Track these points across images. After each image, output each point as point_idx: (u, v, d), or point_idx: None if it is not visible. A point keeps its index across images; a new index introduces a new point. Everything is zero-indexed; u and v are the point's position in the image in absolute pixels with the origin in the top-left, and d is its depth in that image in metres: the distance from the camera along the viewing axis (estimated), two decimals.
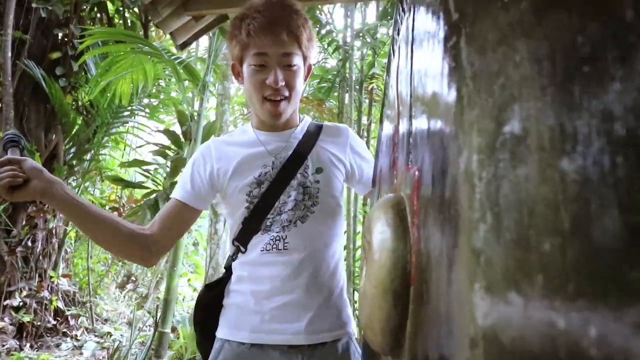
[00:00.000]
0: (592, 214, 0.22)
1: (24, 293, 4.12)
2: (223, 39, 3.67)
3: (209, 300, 1.25)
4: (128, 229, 1.15)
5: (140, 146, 5.99)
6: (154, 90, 5.02)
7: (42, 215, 4.27)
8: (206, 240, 4.77)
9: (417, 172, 0.48)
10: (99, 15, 5.12)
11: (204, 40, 5.25)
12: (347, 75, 4.45)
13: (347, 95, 4.48)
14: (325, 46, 4.73)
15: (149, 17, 4.20)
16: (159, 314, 3.51)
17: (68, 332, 4.36)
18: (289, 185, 1.16)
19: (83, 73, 4.72)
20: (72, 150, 4.77)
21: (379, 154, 0.88)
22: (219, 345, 1.17)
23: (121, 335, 4.62)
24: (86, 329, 4.57)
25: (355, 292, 3.83)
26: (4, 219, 4.05)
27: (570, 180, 0.23)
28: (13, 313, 4.02)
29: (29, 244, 4.22)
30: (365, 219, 0.61)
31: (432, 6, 0.46)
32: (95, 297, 5.10)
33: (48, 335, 4.21)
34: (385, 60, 4.25)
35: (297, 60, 1.14)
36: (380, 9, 4.75)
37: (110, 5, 5.16)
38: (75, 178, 4.94)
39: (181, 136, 4.42)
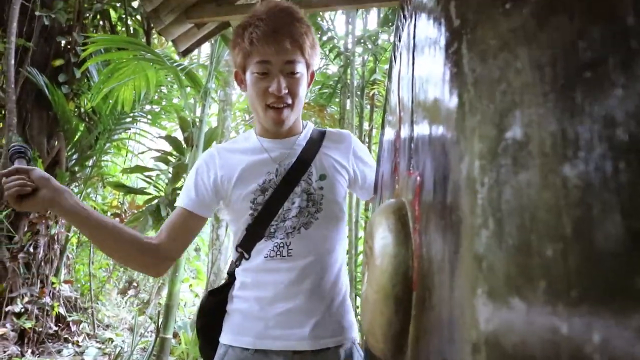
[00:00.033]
0: (595, 219, 0.22)
1: (26, 299, 4.12)
2: (225, 46, 3.69)
3: (212, 306, 1.25)
4: (136, 238, 1.14)
5: (142, 152, 6.00)
6: (156, 97, 5.04)
7: (44, 221, 4.28)
8: (208, 246, 4.77)
9: (418, 178, 0.48)
10: (101, 23, 5.15)
11: (205, 47, 5.28)
12: (348, 81, 4.46)
13: (348, 101, 4.49)
14: (327, 52, 4.75)
15: (152, 25, 4.22)
16: (160, 320, 3.50)
17: (69, 338, 4.35)
18: (293, 192, 1.16)
19: (85, 80, 4.74)
20: (75, 156, 4.78)
21: (381, 159, 0.88)
22: (223, 350, 1.17)
23: (123, 341, 4.61)
24: (88, 334, 4.56)
25: (357, 297, 3.82)
26: (6, 225, 4.05)
27: (572, 185, 0.23)
28: (15, 319, 4.01)
29: (31, 250, 4.23)
30: (367, 225, 0.61)
31: (434, 12, 0.46)
32: (97, 303, 5.09)
33: (49, 341, 4.20)
34: (386, 67, 4.26)
35: (300, 68, 1.14)
36: (382, 15, 4.77)
37: (113, 13, 5.19)
38: (77, 184, 4.95)
39: (183, 142, 4.43)
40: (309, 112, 4.66)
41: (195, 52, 4.72)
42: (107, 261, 6.01)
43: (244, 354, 1.13)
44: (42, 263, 4.30)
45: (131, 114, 4.71)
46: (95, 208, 5.23)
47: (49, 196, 1.05)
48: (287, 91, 1.12)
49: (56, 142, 4.58)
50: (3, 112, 3.95)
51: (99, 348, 4.35)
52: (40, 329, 4.14)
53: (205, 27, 3.02)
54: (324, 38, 4.55)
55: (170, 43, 3.33)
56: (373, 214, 0.63)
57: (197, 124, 3.90)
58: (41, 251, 4.29)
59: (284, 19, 1.12)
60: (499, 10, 0.32)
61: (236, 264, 1.21)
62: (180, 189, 4.25)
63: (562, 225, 0.23)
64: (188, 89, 4.03)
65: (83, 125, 4.81)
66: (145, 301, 5.71)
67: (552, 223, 0.24)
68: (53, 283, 4.37)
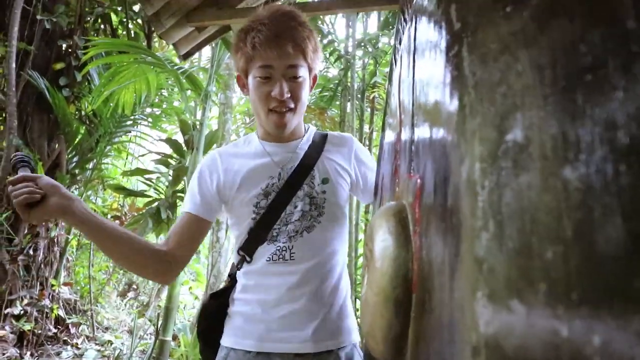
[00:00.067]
0: (595, 222, 0.22)
1: (25, 301, 4.11)
2: (225, 49, 3.70)
3: (213, 308, 1.25)
4: (146, 246, 1.13)
5: (143, 155, 6.00)
6: (156, 100, 5.04)
7: (43, 224, 4.28)
8: (208, 249, 4.77)
9: (419, 180, 0.48)
10: (102, 26, 5.16)
11: (206, 51, 5.28)
12: (349, 84, 4.47)
13: (349, 104, 4.50)
14: (327, 55, 4.75)
15: (152, 28, 4.23)
16: (160, 322, 3.50)
17: (69, 341, 4.34)
18: (296, 196, 1.17)
19: (86, 83, 4.75)
20: (75, 159, 4.78)
21: (381, 162, 0.88)
22: (224, 353, 1.17)
23: (122, 343, 4.60)
24: (87, 337, 4.55)
25: (357, 300, 3.81)
26: (6, 228, 4.05)
27: (572, 188, 0.23)
28: (14, 321, 4.00)
29: (31, 252, 4.22)
30: (367, 227, 0.61)
31: (434, 16, 0.46)
32: (97, 306, 5.09)
33: (49, 343, 4.19)
34: (386, 70, 4.27)
35: (303, 72, 1.14)
36: (382, 18, 4.78)
37: (114, 17, 5.20)
38: (77, 187, 4.95)
39: (183, 145, 4.43)
40: (309, 115, 4.67)
41: (196, 55, 4.72)
42: (106, 264, 6.01)
43: (246, 357, 1.13)
44: (42, 265, 4.29)
45: (132, 117, 4.71)
46: (95, 211, 5.23)
47: (59, 204, 1.02)
48: (289, 95, 1.12)
49: (57, 145, 4.58)
50: (4, 115, 3.95)
51: (98, 350, 4.34)
52: (40, 331, 4.13)
53: (205, 30, 3.02)
54: (325, 41, 4.56)
55: (171, 46, 3.34)
56: (373, 216, 0.63)
57: (198, 126, 3.91)
58: (41, 253, 4.28)
59: (287, 23, 1.12)
60: (499, 14, 0.32)
61: (237, 267, 1.20)
62: (180, 191, 4.25)
63: (562, 228, 0.23)
64: (189, 92, 4.04)
65: (84, 128, 4.82)
66: (144, 303, 5.71)
67: (553, 226, 0.24)
68: (52, 285, 4.36)
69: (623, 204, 0.20)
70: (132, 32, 5.18)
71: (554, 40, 0.26)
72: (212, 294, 1.30)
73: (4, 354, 3.75)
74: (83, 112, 4.90)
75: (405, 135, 0.60)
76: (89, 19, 4.90)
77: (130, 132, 5.20)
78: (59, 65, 4.49)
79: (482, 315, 0.28)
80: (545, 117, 0.26)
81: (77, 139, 4.73)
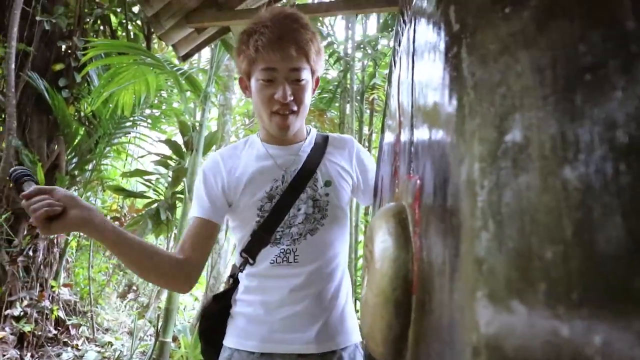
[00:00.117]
0: (595, 221, 0.22)
1: (25, 303, 4.11)
2: (224, 50, 3.70)
3: (215, 310, 1.25)
4: (165, 255, 1.12)
5: (142, 156, 6.00)
6: (156, 101, 5.04)
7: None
8: None
9: (418, 181, 0.48)
10: (102, 27, 5.16)
11: (205, 52, 5.29)
12: (348, 85, 4.47)
13: (348, 105, 4.50)
14: (327, 57, 4.75)
15: (152, 30, 4.23)
16: (160, 324, 3.49)
17: (69, 342, 4.34)
18: (299, 199, 1.17)
19: (86, 84, 4.74)
20: (74, 160, 4.78)
21: (381, 163, 0.88)
22: (228, 354, 1.17)
23: (122, 344, 4.59)
24: (87, 338, 4.54)
25: (357, 301, 3.81)
26: (5, 229, 4.05)
27: (572, 188, 0.23)
28: (14, 323, 4.00)
29: (30, 253, 4.22)
30: (367, 228, 0.61)
31: (433, 17, 0.46)
32: (96, 307, 5.08)
33: (49, 345, 4.18)
34: (386, 71, 4.27)
35: (306, 75, 1.14)
36: (381, 21, 4.79)
37: (113, 18, 5.20)
38: (76, 188, 4.95)
39: (183, 146, 4.44)
40: (309, 117, 4.67)
41: (195, 56, 4.73)
42: (106, 265, 6.00)
43: (249, 358, 1.13)
44: (42, 266, 4.29)
45: (131, 118, 4.71)
46: None
47: (80, 216, 0.98)
48: (292, 98, 1.12)
49: (56, 146, 4.58)
50: (3, 116, 3.95)
51: (99, 352, 4.33)
52: (40, 333, 4.12)
53: (205, 32, 3.03)
54: (324, 43, 4.57)
55: (170, 48, 3.34)
56: (373, 217, 0.63)
57: (197, 128, 3.91)
58: (40, 255, 4.28)
59: (290, 26, 1.11)
60: (498, 15, 0.32)
61: (240, 269, 1.20)
62: (180, 192, 4.25)
63: (562, 227, 0.23)
64: (188, 94, 4.04)
65: (83, 129, 4.82)
66: (144, 305, 5.70)
67: (553, 226, 0.24)
68: (52, 287, 4.36)
69: (623, 203, 0.20)
70: (132, 33, 5.18)
71: (553, 40, 0.26)
72: (214, 295, 1.30)
73: (4, 356, 3.75)
74: (82, 113, 4.90)
75: (404, 136, 0.60)
76: (88, 20, 4.90)
77: (129, 133, 5.19)
78: (58, 67, 4.49)
79: (483, 315, 0.28)
80: (544, 117, 0.26)
81: (77, 140, 4.73)
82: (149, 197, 4.72)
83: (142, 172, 4.98)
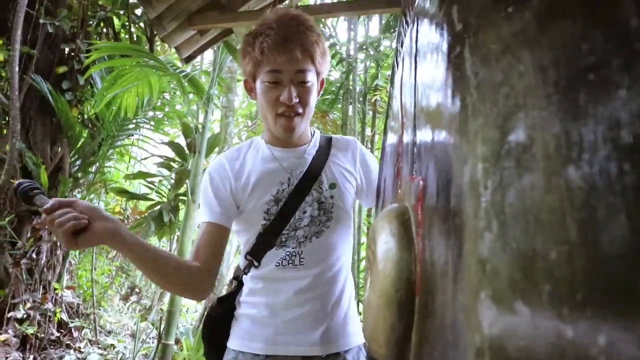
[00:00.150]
0: (599, 221, 0.21)
1: (28, 305, 4.11)
2: (227, 52, 3.70)
3: (219, 312, 1.25)
4: (184, 264, 1.10)
5: (145, 158, 6.01)
6: (159, 103, 5.06)
7: (46, 227, 4.28)
8: None
9: (421, 182, 0.48)
10: (105, 30, 5.18)
11: (208, 54, 5.30)
12: (350, 87, 4.47)
13: (350, 107, 4.50)
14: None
15: (155, 32, 4.24)
16: (162, 326, 3.49)
17: (71, 344, 4.34)
18: (304, 202, 1.17)
19: (89, 87, 4.76)
20: (78, 162, 4.79)
21: (383, 164, 0.88)
22: (232, 356, 1.17)
23: (124, 347, 4.60)
24: (90, 341, 4.54)
25: (360, 303, 3.80)
26: (9, 231, 4.06)
27: (576, 187, 0.23)
28: (17, 325, 4.01)
29: (34, 256, 4.22)
30: (370, 230, 0.61)
31: (436, 18, 0.46)
32: (99, 309, 5.09)
33: (51, 347, 4.19)
34: (388, 73, 4.27)
35: (311, 77, 1.14)
36: (383, 22, 4.79)
37: (116, 21, 5.22)
38: (80, 190, 4.96)
39: (186, 148, 4.44)
40: (311, 118, 4.67)
41: (198, 58, 4.73)
42: (109, 267, 6.02)
43: None
44: (45, 269, 4.29)
45: (134, 121, 4.72)
46: None
47: (107, 228, 0.95)
48: (297, 100, 1.12)
49: (59, 149, 4.59)
50: (7, 118, 3.96)
51: (101, 354, 4.34)
52: (43, 335, 4.13)
53: (208, 34, 3.04)
54: (326, 44, 4.57)
55: (173, 50, 3.35)
56: (376, 219, 0.63)
57: (200, 130, 3.91)
58: (44, 257, 4.29)
59: (295, 28, 1.11)
60: (501, 14, 0.32)
61: (245, 271, 1.20)
62: (183, 194, 4.26)
63: (566, 227, 0.23)
64: (191, 96, 4.05)
65: (86, 131, 4.83)
66: (147, 307, 5.70)
67: (557, 226, 0.24)
68: (55, 289, 4.37)
69: (627, 202, 0.20)
70: (135, 35, 5.20)
71: (555, 40, 0.26)
72: (218, 298, 1.30)
73: (7, 358, 3.75)
74: (86, 116, 4.91)
75: (407, 137, 0.60)
76: (91, 22, 4.92)
77: (132, 135, 5.21)
78: (61, 69, 4.51)
79: (486, 316, 0.28)
80: (548, 116, 0.26)
81: (80, 143, 4.74)
82: (151, 199, 4.72)
83: (145, 174, 4.98)
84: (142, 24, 5.20)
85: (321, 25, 4.56)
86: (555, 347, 0.23)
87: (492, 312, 0.28)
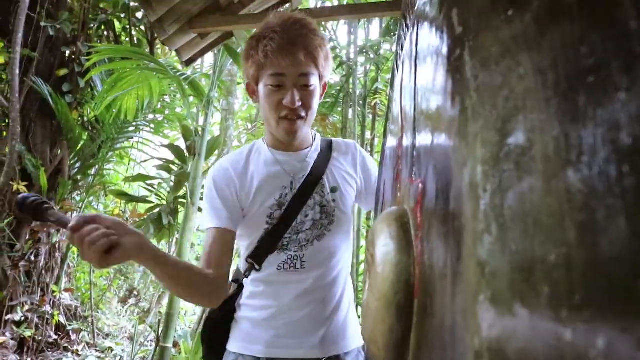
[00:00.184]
0: (599, 223, 0.21)
1: (26, 307, 4.10)
2: (228, 55, 3.71)
3: (219, 315, 1.25)
4: (202, 274, 1.09)
5: (145, 161, 6.01)
6: (159, 106, 5.06)
7: (45, 229, 4.28)
8: None
9: (420, 185, 0.48)
10: (106, 33, 5.19)
11: (209, 57, 5.30)
12: (350, 90, 4.48)
13: (350, 110, 4.51)
14: None
15: (155, 35, 4.25)
16: (160, 329, 3.48)
17: (69, 347, 4.33)
18: (306, 205, 1.17)
19: (89, 89, 4.76)
20: (77, 165, 4.79)
21: (383, 167, 0.88)
22: (232, 358, 1.17)
23: (122, 350, 4.58)
24: (87, 343, 4.53)
25: (359, 307, 3.80)
26: (7, 233, 4.05)
27: (575, 190, 0.23)
28: (15, 328, 3.99)
29: (32, 258, 4.22)
30: (369, 232, 0.61)
31: (436, 21, 0.46)
32: (97, 312, 5.08)
33: (49, 350, 4.18)
34: (388, 76, 4.28)
35: (314, 80, 1.14)
36: (384, 25, 4.80)
37: (117, 24, 5.22)
38: (79, 193, 4.96)
39: (185, 151, 4.44)
40: None
41: (199, 61, 4.75)
42: (107, 270, 6.00)
43: None
44: (43, 271, 4.29)
45: (134, 123, 4.73)
46: None
47: (136, 243, 0.91)
48: (300, 104, 1.12)
49: (59, 151, 4.59)
50: (7, 120, 3.96)
51: (99, 357, 4.32)
52: (40, 338, 4.12)
53: (208, 37, 3.04)
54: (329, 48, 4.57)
55: (173, 53, 3.35)
56: (375, 221, 0.63)
57: (200, 132, 3.91)
58: (42, 259, 4.28)
59: (299, 31, 1.11)
60: (500, 18, 0.32)
61: (245, 274, 1.20)
62: (182, 197, 4.25)
63: (565, 230, 0.23)
64: (191, 98, 4.05)
65: (86, 134, 4.83)
66: (145, 310, 5.69)
67: (556, 228, 0.24)
68: (54, 291, 4.36)
69: (627, 205, 0.20)
70: (135, 38, 5.21)
71: (555, 42, 0.26)
72: None
73: None
74: (86, 118, 4.92)
75: (406, 140, 0.60)
76: (92, 25, 4.93)
77: (132, 138, 5.21)
78: (62, 72, 4.51)
79: (485, 318, 0.28)
80: (547, 119, 0.26)
81: (80, 145, 4.75)
82: (151, 202, 4.72)
83: (144, 176, 4.98)
84: (142, 27, 5.21)
85: (322, 29, 4.57)
86: (554, 349, 0.23)
87: (491, 314, 0.27)
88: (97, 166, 4.85)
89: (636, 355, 0.19)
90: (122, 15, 5.08)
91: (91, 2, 4.77)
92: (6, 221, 4.01)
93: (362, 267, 4.12)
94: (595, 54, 0.23)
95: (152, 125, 5.12)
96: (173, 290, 1.09)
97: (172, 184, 4.46)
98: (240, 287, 1.23)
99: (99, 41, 5.02)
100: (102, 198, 5.90)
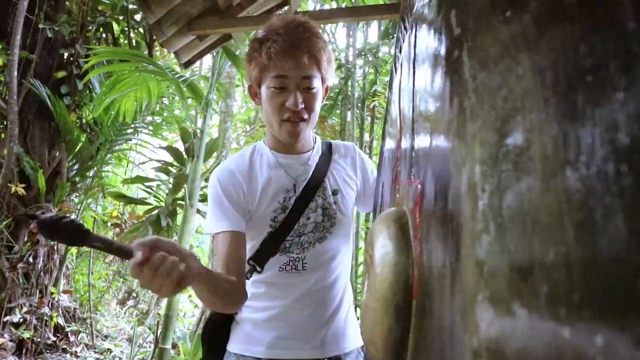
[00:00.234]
0: (597, 223, 0.21)
1: (25, 309, 4.10)
2: (226, 58, 3.71)
3: (219, 315, 1.25)
4: (230, 281, 1.07)
5: (143, 163, 6.01)
6: (157, 108, 5.06)
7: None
8: (207, 257, 4.75)
9: (419, 186, 0.48)
10: (104, 35, 5.19)
11: (207, 59, 5.31)
12: (349, 93, 4.48)
13: (349, 112, 4.51)
14: None
15: (154, 37, 4.25)
16: (159, 330, 3.48)
17: (68, 349, 4.32)
18: (308, 208, 1.18)
19: (88, 91, 4.76)
20: (76, 167, 4.78)
21: (381, 169, 0.88)
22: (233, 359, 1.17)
23: (121, 351, 4.57)
24: (86, 345, 4.52)
25: (358, 308, 3.79)
26: (6, 235, 4.04)
27: (574, 189, 0.23)
28: (13, 329, 3.98)
29: (31, 260, 4.21)
30: (368, 234, 0.61)
31: (434, 23, 0.46)
32: (96, 314, 5.06)
33: (48, 351, 4.16)
34: (387, 79, 4.28)
35: (317, 83, 1.14)
36: (382, 28, 4.81)
37: (115, 26, 5.23)
38: (77, 195, 4.95)
39: (184, 153, 4.44)
40: None
41: (197, 63, 4.75)
42: (106, 271, 6.00)
43: None
44: (42, 273, 4.28)
45: (132, 125, 4.72)
46: (95, 219, 5.24)
47: (199, 267, 0.89)
48: (303, 106, 1.11)
49: (57, 153, 4.59)
50: (5, 122, 3.96)
51: (97, 359, 4.31)
52: (39, 340, 4.11)
53: (207, 39, 3.04)
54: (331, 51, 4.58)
55: (172, 55, 3.35)
56: (374, 222, 0.63)
57: (198, 134, 3.91)
58: (41, 261, 4.27)
59: (302, 34, 1.11)
60: (499, 18, 0.32)
61: (247, 276, 1.20)
62: (180, 199, 4.25)
63: (564, 229, 0.23)
64: (189, 101, 4.05)
65: (84, 136, 4.83)
66: (144, 311, 5.68)
67: (554, 228, 0.24)
68: (52, 293, 4.35)
69: (625, 204, 0.20)
70: (134, 40, 5.21)
71: (553, 42, 0.26)
72: None
73: None
74: (84, 120, 4.91)
75: (405, 142, 0.60)
76: (90, 27, 4.93)
77: (130, 140, 5.21)
78: (60, 74, 4.51)
79: (483, 318, 0.28)
80: (545, 119, 0.26)
81: (78, 147, 4.74)
82: (149, 204, 4.72)
83: (143, 178, 4.98)
84: (141, 29, 5.21)
85: (320, 32, 4.58)
86: (552, 348, 0.23)
87: (489, 313, 0.28)
88: (95, 168, 4.85)
89: (635, 354, 0.19)
90: (121, 18, 5.09)
91: (89, 4, 4.77)
92: (4, 223, 4.00)
93: (360, 268, 4.12)
94: (594, 54, 0.23)
95: (151, 127, 5.11)
96: (204, 300, 1.07)
97: (170, 185, 4.46)
98: None
99: (97, 43, 5.02)
100: (101, 200, 5.90)
